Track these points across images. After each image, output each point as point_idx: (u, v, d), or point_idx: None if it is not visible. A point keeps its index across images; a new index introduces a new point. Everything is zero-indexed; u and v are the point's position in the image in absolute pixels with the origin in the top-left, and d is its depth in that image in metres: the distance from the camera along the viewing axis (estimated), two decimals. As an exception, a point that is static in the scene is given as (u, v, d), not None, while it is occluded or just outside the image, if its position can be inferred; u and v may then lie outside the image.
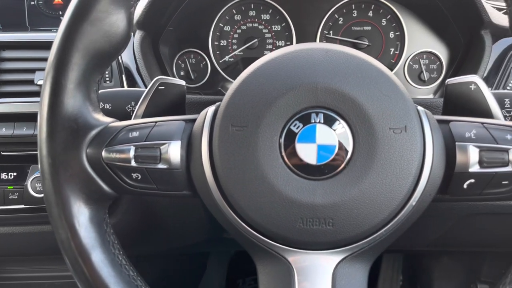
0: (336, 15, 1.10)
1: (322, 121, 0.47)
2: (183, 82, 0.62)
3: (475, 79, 0.57)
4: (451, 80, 0.58)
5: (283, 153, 0.47)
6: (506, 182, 0.47)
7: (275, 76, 0.48)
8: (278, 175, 0.47)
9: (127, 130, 0.51)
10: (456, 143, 0.48)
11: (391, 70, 1.09)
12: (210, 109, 0.52)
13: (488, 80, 0.95)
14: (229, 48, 1.14)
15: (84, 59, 0.49)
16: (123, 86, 0.98)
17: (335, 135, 0.47)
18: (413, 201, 0.48)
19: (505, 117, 0.65)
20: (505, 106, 0.64)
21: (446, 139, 0.49)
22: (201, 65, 1.14)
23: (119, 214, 1.02)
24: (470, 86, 0.57)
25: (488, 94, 0.56)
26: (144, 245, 1.19)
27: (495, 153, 0.47)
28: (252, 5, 1.12)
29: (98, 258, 0.50)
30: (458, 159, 0.48)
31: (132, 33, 0.54)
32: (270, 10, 1.11)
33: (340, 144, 0.46)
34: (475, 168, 0.47)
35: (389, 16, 1.08)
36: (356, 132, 0.46)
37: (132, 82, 1.01)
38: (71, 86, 0.49)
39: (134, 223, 1.06)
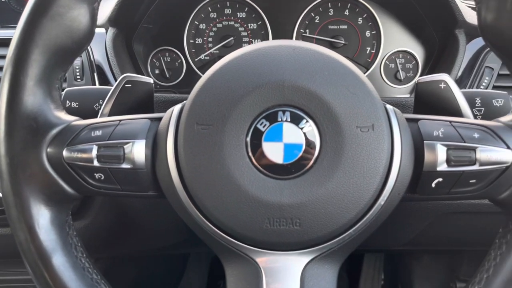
0: (312, 13, 1.10)
1: (289, 120, 0.46)
2: (150, 80, 0.60)
3: (445, 78, 0.57)
4: (422, 79, 0.58)
5: (250, 152, 0.46)
6: (474, 180, 0.47)
7: (241, 74, 0.47)
8: (245, 174, 0.46)
9: (89, 128, 0.50)
10: (424, 141, 0.48)
11: (367, 69, 1.10)
12: (176, 108, 0.51)
13: (462, 80, 0.95)
14: (205, 46, 1.12)
15: (44, 56, 0.48)
16: (95, 85, 0.96)
17: (302, 133, 0.46)
18: (382, 200, 0.48)
19: (476, 115, 0.65)
20: (476, 105, 0.65)
21: (414, 138, 0.49)
22: (176, 63, 1.13)
23: (92, 215, 1.00)
24: (440, 85, 0.57)
25: (457, 93, 0.56)
26: (120, 246, 1.17)
27: (462, 151, 0.47)
28: (228, 3, 1.11)
29: (59, 261, 0.49)
30: (426, 158, 0.48)
31: (95, 29, 0.53)
32: (246, 8, 1.11)
33: (307, 143, 0.46)
34: (443, 166, 0.47)
35: (365, 15, 1.08)
36: (323, 131, 0.46)
37: (104, 81, 0.99)
38: (30, 83, 0.47)
39: (108, 224, 1.04)
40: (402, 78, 1.08)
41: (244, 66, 0.47)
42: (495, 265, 0.48)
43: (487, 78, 0.90)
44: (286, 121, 0.46)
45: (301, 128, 0.46)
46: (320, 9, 1.09)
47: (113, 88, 0.59)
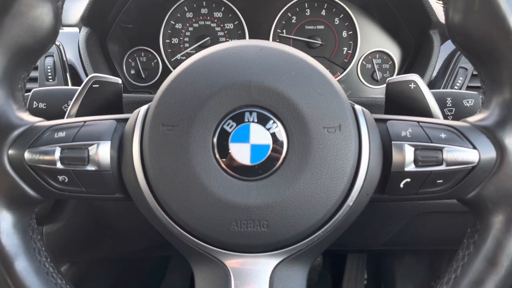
0: (289, 13, 1.09)
1: (255, 120, 0.46)
2: (119, 80, 0.59)
3: (415, 78, 0.57)
4: (392, 79, 0.58)
5: (216, 154, 0.46)
6: (441, 181, 0.47)
7: (207, 74, 0.47)
8: (211, 176, 0.45)
9: (53, 130, 0.49)
10: (392, 142, 0.48)
11: (344, 69, 1.10)
12: (143, 108, 0.50)
13: (437, 80, 0.96)
14: (181, 46, 1.12)
15: (5, 55, 0.47)
16: (67, 85, 0.95)
17: (269, 134, 0.46)
18: (350, 201, 0.47)
19: (447, 116, 0.65)
20: (447, 105, 0.65)
21: (383, 138, 0.49)
22: (152, 63, 1.12)
23: (65, 218, 0.98)
24: (410, 85, 0.57)
25: (427, 93, 0.56)
26: (95, 250, 1.15)
27: (430, 151, 0.47)
28: (204, 2, 1.10)
29: (22, 266, 0.48)
30: (395, 158, 0.48)
31: (59, 28, 0.52)
32: (223, 8, 1.10)
33: (274, 143, 0.45)
34: (410, 167, 0.47)
35: (342, 15, 1.09)
36: (290, 131, 0.46)
37: (78, 81, 0.98)
38: (-9, 84, 0.46)
39: (82, 227, 1.03)
40: (378, 78, 1.09)
41: (211, 67, 0.47)
42: (462, 265, 0.48)
43: (461, 78, 0.91)
44: (253, 121, 0.46)
45: (268, 129, 0.46)
46: (297, 9, 1.09)
47: (80, 88, 0.58)
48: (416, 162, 0.47)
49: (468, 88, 0.93)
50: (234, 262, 0.49)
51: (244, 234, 0.46)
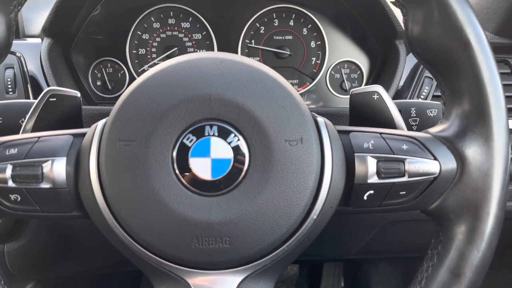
0: (257, 24, 1.10)
1: (216, 134, 0.45)
2: (77, 93, 0.58)
3: (378, 89, 0.57)
4: (355, 90, 0.58)
5: (176, 169, 0.45)
6: (404, 192, 0.48)
7: (166, 87, 0.46)
8: (171, 192, 0.44)
9: (4, 147, 0.47)
10: (355, 154, 0.48)
11: (313, 79, 1.10)
12: (100, 123, 0.49)
13: (404, 89, 0.98)
14: (148, 57, 1.10)
15: None
16: (28, 98, 0.92)
17: (230, 148, 0.45)
18: (314, 214, 0.47)
19: (412, 126, 0.66)
20: (412, 115, 0.66)
21: (346, 150, 0.49)
22: (119, 74, 1.10)
23: (28, 235, 0.95)
24: (373, 96, 0.57)
25: (390, 104, 0.57)
26: (61, 267, 1.12)
27: (392, 163, 0.47)
28: (171, 12, 1.09)
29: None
30: (358, 170, 0.47)
31: (12, 41, 0.50)
32: (190, 18, 1.09)
33: (235, 157, 0.45)
34: (373, 179, 0.47)
35: (310, 25, 1.09)
36: (252, 145, 0.45)
37: (39, 94, 0.95)
38: None
39: (46, 243, 1.00)
40: (347, 88, 1.10)
41: (169, 79, 0.46)
42: (427, 276, 0.48)
43: (426, 88, 0.92)
44: (213, 135, 0.45)
45: (229, 143, 0.45)
46: (265, 19, 1.10)
47: (36, 102, 0.56)
48: (378, 174, 0.47)
49: (434, 97, 0.94)
50: (197, 280, 0.48)
51: (206, 251, 0.45)
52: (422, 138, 0.48)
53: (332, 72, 1.10)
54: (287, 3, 1.08)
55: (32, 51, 0.99)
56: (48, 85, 0.94)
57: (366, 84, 1.09)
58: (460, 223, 0.47)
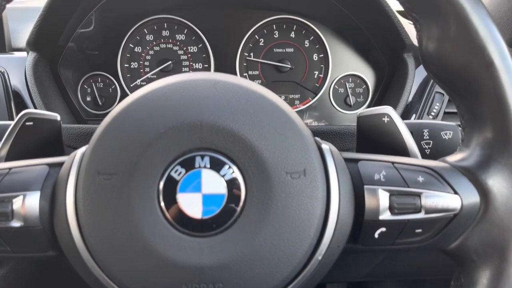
0: (256, 36, 1.06)
1: (208, 166, 0.40)
2: (57, 116, 0.54)
3: (388, 111, 0.53)
4: (363, 112, 0.54)
5: (162, 206, 0.40)
6: (420, 230, 0.43)
7: (151, 113, 0.41)
8: (157, 232, 0.40)
9: (-30, 180, 0.43)
10: (365, 186, 0.43)
11: (316, 94, 1.06)
12: (80, 151, 0.45)
13: (413, 105, 0.94)
14: (141, 71, 1.06)
15: None
16: (11, 115, 0.88)
17: (224, 182, 0.40)
18: (319, 255, 0.42)
19: (424, 149, 0.62)
20: (424, 137, 0.62)
21: (354, 182, 0.45)
22: (110, 89, 1.06)
23: (10, 263, 0.91)
24: (383, 119, 0.53)
25: (402, 128, 0.53)
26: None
27: (406, 197, 0.42)
28: (165, 24, 1.06)
29: None
30: (368, 205, 0.43)
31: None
32: (185, 30, 1.06)
33: (229, 193, 0.40)
34: (385, 215, 0.43)
35: (312, 37, 1.06)
36: (249, 178, 0.41)
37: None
38: None
39: (29, 272, 0.95)
40: (352, 103, 1.06)
41: (155, 104, 0.42)
42: (446, 324, 0.44)
43: (437, 104, 0.88)
44: (205, 167, 0.40)
45: (223, 176, 0.40)
46: (265, 31, 1.06)
47: (11, 127, 0.52)
48: (391, 209, 0.43)
49: (445, 114, 0.90)
50: None
51: None
52: (439, 168, 0.44)
53: (335, 86, 1.07)
54: (288, 14, 1.05)
55: (17, 66, 0.95)
56: (33, 103, 0.90)
57: (372, 99, 1.05)
58: (484, 265, 0.42)
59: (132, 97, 0.43)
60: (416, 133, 0.61)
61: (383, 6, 0.86)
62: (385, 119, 0.53)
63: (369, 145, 0.53)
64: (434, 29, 0.44)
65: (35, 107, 0.90)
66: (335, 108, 1.07)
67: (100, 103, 1.06)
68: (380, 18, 0.89)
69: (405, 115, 0.92)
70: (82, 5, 0.91)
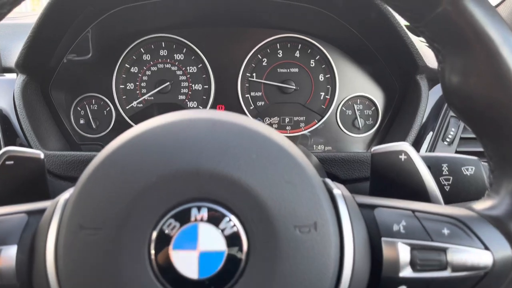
0: (259, 55, 1.02)
1: (205, 219, 0.36)
2: (40, 154, 0.50)
3: (405, 148, 0.49)
4: (378, 149, 0.50)
5: (154, 265, 0.36)
6: (446, 290, 0.39)
7: (142, 158, 0.37)
8: None
9: None
10: (383, 238, 0.39)
11: (322, 116, 1.03)
12: (63, 198, 0.41)
13: (426, 129, 0.89)
14: (137, 92, 1.03)
15: None
16: (-1, 144, 0.85)
17: (223, 237, 0.36)
18: None
19: (443, 185, 0.58)
20: (443, 173, 0.57)
21: (370, 233, 0.40)
22: (105, 112, 1.03)
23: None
24: (400, 156, 0.49)
25: (421, 168, 0.48)
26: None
27: (430, 253, 0.38)
28: (163, 43, 1.02)
29: None
30: (386, 260, 0.39)
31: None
32: (184, 50, 1.02)
33: (230, 250, 0.36)
34: (406, 271, 0.38)
35: (318, 57, 1.02)
36: (251, 233, 0.36)
37: (12, 134, 0.88)
38: None
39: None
40: (360, 126, 1.02)
41: (146, 149, 0.38)
42: None
43: (453, 129, 0.84)
44: (202, 220, 0.36)
45: (222, 230, 0.36)
46: (268, 50, 1.03)
47: (-11, 166, 0.48)
48: (413, 265, 0.38)
49: (462, 140, 0.86)
50: None
51: None
52: (467, 218, 0.40)
53: (343, 108, 1.03)
54: (292, 32, 1.02)
55: (6, 88, 0.92)
56: (22, 128, 0.87)
57: (382, 122, 1.01)
58: None
59: (120, 139, 0.39)
60: (434, 167, 0.57)
61: (395, 26, 0.82)
62: (402, 156, 0.49)
63: (384, 185, 0.49)
64: (459, 61, 0.40)
65: (23, 133, 0.86)
66: (343, 131, 1.03)
67: (94, 126, 1.02)
68: (391, 38, 0.86)
69: (417, 140, 0.88)
70: (75, 25, 0.88)
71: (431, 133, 0.89)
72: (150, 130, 0.39)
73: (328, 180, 0.43)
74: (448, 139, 0.84)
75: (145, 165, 0.37)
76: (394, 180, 0.49)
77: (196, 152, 0.37)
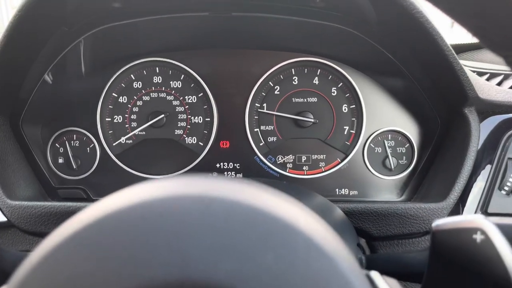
0: (270, 82, 0.91)
1: None
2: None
3: (481, 224, 0.37)
4: (441, 224, 0.38)
5: None
6: None
7: (107, 255, 0.26)
8: None
9: None
10: None
11: (346, 154, 0.91)
12: None
13: (476, 171, 0.77)
14: (126, 126, 0.92)
15: None
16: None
17: None
18: None
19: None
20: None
21: None
22: (88, 149, 0.92)
23: None
24: (474, 236, 0.37)
25: (505, 252, 0.36)
26: None
27: None
28: (157, 68, 0.92)
29: None
30: None
31: None
32: (182, 76, 0.92)
33: None
34: None
35: (341, 84, 0.91)
36: None
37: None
38: None
39: None
40: (392, 166, 0.90)
41: (111, 244, 0.26)
42: None
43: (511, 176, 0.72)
44: None
45: None
46: (281, 76, 0.91)
47: None
48: None
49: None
50: None
51: None
52: None
53: (371, 144, 0.91)
54: (309, 55, 0.90)
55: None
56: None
57: (418, 162, 0.89)
58: None
59: (71, 224, 0.28)
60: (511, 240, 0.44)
61: (443, 50, 0.70)
62: (477, 236, 0.37)
63: (450, 275, 0.37)
64: None
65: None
66: (371, 172, 0.91)
67: (74, 166, 0.91)
68: (436, 64, 0.74)
69: (465, 190, 0.75)
70: (46, 49, 0.77)
71: (480, 178, 0.76)
72: (115, 213, 0.28)
73: (374, 275, 0.31)
74: (506, 188, 0.72)
75: (109, 273, 0.25)
76: (464, 269, 0.37)
77: (183, 253, 0.26)
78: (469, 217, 0.37)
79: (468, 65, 0.87)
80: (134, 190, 0.30)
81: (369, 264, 0.51)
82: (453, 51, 0.70)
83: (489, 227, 0.37)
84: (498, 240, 0.37)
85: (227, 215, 0.27)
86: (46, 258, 0.27)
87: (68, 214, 0.76)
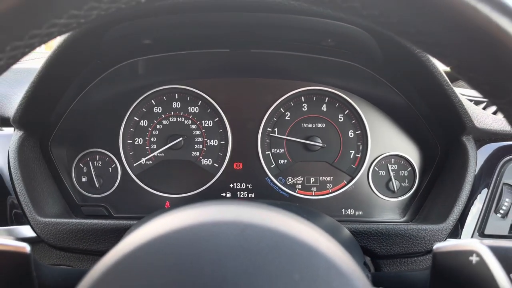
0: (282, 109, 0.96)
1: None
2: (25, 248, 0.43)
3: (477, 248, 0.41)
4: (441, 247, 0.42)
5: None
6: None
7: (150, 276, 0.30)
8: None
9: None
10: None
11: (352, 177, 0.95)
12: None
13: (473, 195, 0.81)
14: (147, 148, 0.96)
15: None
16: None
17: None
18: None
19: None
20: (515, 268, 0.49)
21: None
22: (110, 169, 0.96)
23: None
24: (470, 258, 0.41)
25: (498, 273, 0.40)
26: None
27: None
28: (176, 95, 0.96)
29: None
30: None
31: None
32: (199, 102, 0.96)
33: None
34: None
35: (347, 111, 0.95)
36: None
37: (3, 194, 0.82)
38: None
39: None
40: (395, 188, 0.94)
41: (155, 263, 0.30)
42: None
43: (507, 200, 0.76)
44: None
45: None
46: (292, 103, 0.96)
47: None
48: None
49: (518, 211, 0.77)
50: None
51: None
52: None
53: (375, 168, 0.95)
54: (318, 84, 0.95)
55: (2, 143, 0.86)
56: (15, 189, 0.80)
57: (420, 185, 0.93)
58: None
59: (119, 250, 0.32)
60: (503, 261, 0.49)
61: (441, 83, 0.75)
62: (473, 258, 0.41)
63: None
64: None
65: (16, 195, 0.80)
66: (375, 193, 0.95)
67: (97, 185, 0.95)
68: (435, 95, 0.78)
69: (463, 213, 0.79)
70: (79, 78, 0.82)
71: (478, 201, 0.80)
72: (162, 237, 0.32)
73: None
74: (501, 211, 0.76)
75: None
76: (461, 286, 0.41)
77: (221, 271, 0.30)
78: (466, 241, 0.42)
79: (466, 94, 0.92)
80: (174, 216, 0.34)
81: (375, 282, 0.55)
82: (451, 86, 0.75)
83: (483, 250, 0.41)
84: (492, 262, 0.41)
85: (259, 240, 0.32)
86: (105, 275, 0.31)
87: (93, 231, 0.80)
